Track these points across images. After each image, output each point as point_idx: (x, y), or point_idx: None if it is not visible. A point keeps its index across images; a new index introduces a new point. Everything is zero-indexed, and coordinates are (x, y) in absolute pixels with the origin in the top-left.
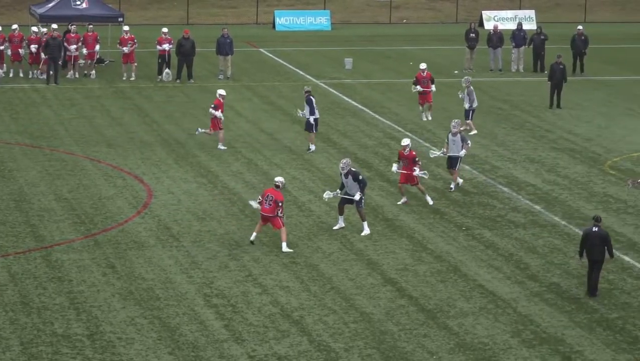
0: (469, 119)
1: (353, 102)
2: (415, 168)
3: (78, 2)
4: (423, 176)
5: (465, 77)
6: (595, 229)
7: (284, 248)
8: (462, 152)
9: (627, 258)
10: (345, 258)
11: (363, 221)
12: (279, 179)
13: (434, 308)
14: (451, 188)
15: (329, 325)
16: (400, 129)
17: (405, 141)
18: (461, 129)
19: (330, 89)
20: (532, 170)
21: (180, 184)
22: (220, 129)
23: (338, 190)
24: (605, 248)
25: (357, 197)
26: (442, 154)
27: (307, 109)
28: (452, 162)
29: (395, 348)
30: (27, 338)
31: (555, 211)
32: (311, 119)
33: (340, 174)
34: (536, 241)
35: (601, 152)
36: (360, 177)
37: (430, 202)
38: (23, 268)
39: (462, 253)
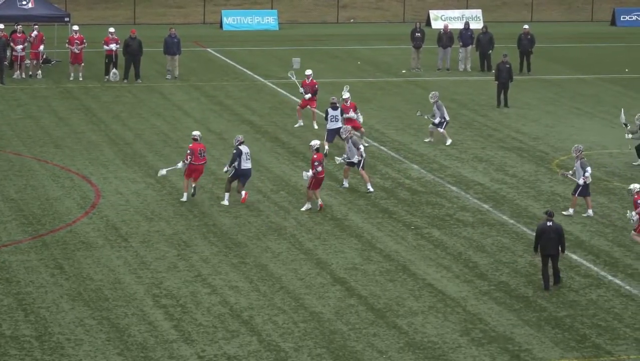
0: (442, 129)
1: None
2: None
3: (24, 2)
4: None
5: (432, 92)
6: (549, 223)
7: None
8: (356, 159)
9: (574, 257)
10: (294, 257)
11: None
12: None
13: (383, 307)
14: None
15: (279, 325)
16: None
17: (315, 143)
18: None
19: (278, 89)
20: (480, 169)
21: (128, 184)
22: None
23: (344, 155)
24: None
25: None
26: (342, 161)
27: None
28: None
29: (344, 348)
30: None
31: (503, 209)
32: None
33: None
34: (485, 240)
35: (548, 151)
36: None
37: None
38: None
39: (411, 252)
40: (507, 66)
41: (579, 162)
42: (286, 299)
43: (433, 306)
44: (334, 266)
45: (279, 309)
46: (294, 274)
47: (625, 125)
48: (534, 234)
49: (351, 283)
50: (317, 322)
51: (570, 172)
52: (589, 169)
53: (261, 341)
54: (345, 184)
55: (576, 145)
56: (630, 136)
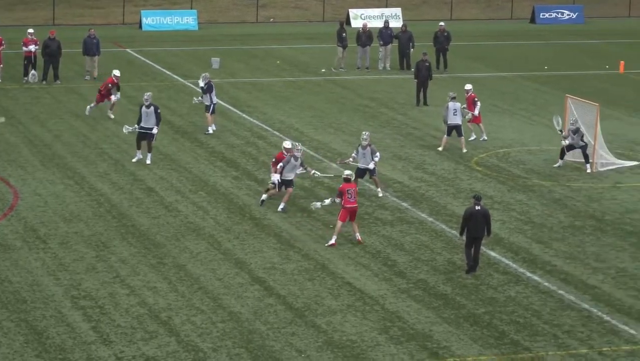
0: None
1: (220, 102)
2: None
3: None
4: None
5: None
6: (478, 207)
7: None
8: (371, 165)
9: (493, 254)
10: (212, 257)
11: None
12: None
13: (302, 306)
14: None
15: (197, 325)
16: (267, 128)
17: (287, 144)
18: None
19: (198, 89)
20: (399, 167)
21: (47, 185)
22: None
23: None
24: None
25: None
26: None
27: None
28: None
29: (263, 347)
30: None
31: (422, 208)
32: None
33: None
34: (403, 238)
35: (467, 148)
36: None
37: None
38: None
39: (329, 251)
40: (427, 64)
41: (368, 148)
42: (205, 299)
43: (352, 305)
44: (252, 265)
45: (197, 309)
46: (212, 274)
47: (560, 131)
48: (462, 217)
49: (270, 283)
50: (236, 322)
51: (351, 158)
52: (378, 154)
53: (180, 342)
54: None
55: (365, 132)
56: (566, 142)
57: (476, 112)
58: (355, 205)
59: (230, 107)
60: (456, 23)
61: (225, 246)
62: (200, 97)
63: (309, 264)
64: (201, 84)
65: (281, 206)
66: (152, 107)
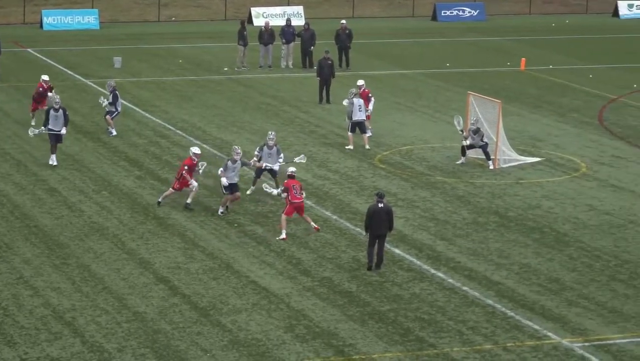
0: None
1: (123, 101)
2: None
3: None
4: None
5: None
6: (380, 205)
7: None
8: (276, 167)
9: (397, 251)
10: (117, 257)
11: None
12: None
13: (207, 305)
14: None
15: (102, 326)
16: (170, 127)
17: (195, 150)
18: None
19: (100, 89)
20: (302, 165)
21: None
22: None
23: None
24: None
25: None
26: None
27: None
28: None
29: (169, 347)
30: None
31: (326, 205)
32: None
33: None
34: (308, 236)
35: (370, 146)
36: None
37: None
38: None
39: (234, 250)
40: (329, 62)
41: (275, 148)
42: (109, 299)
43: (257, 303)
44: (157, 265)
45: (102, 310)
46: (116, 274)
47: (461, 132)
48: (365, 216)
49: (174, 282)
50: (141, 322)
51: (254, 158)
52: (282, 155)
53: (84, 343)
54: None
55: (271, 132)
56: (467, 142)
57: (370, 107)
58: (301, 201)
59: (133, 106)
60: (358, 21)
61: (130, 245)
62: (107, 100)
63: (214, 264)
64: (105, 103)
65: (220, 210)
66: (61, 110)
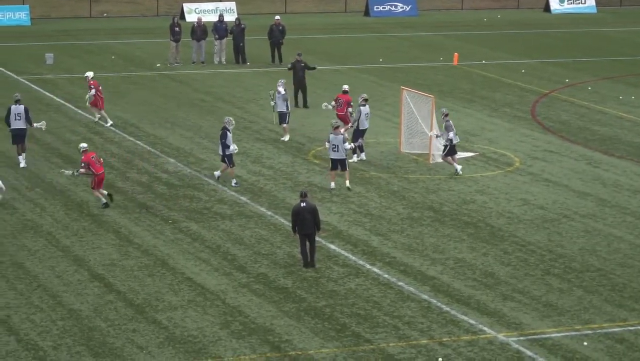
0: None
1: (55, 98)
2: None
3: None
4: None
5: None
6: (303, 204)
7: None
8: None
9: (333, 247)
10: (51, 255)
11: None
12: None
13: (142, 302)
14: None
15: (37, 323)
16: (103, 123)
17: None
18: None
19: (32, 85)
20: (238, 161)
21: None
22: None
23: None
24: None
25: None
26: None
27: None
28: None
29: (104, 344)
30: None
31: (261, 201)
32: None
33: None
34: (243, 232)
35: (304, 142)
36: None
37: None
38: None
39: (169, 246)
40: (302, 64)
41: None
42: (44, 297)
43: (192, 300)
44: (92, 262)
45: (36, 307)
46: (51, 272)
47: (437, 136)
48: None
49: (110, 279)
50: (76, 319)
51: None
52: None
53: (19, 341)
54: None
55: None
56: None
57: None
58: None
59: (65, 103)
60: (290, 16)
61: (64, 243)
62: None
63: (149, 260)
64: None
65: (224, 179)
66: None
